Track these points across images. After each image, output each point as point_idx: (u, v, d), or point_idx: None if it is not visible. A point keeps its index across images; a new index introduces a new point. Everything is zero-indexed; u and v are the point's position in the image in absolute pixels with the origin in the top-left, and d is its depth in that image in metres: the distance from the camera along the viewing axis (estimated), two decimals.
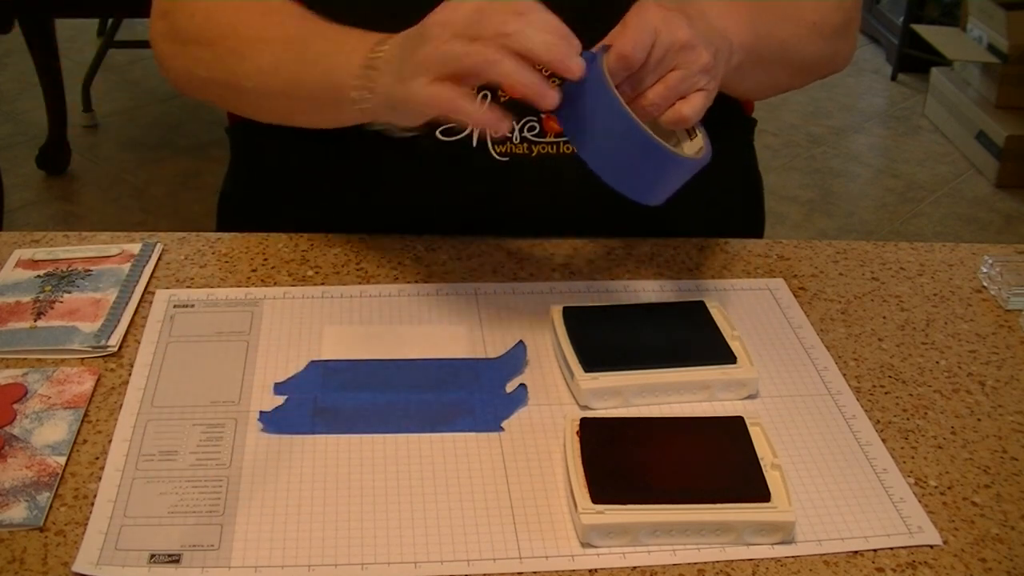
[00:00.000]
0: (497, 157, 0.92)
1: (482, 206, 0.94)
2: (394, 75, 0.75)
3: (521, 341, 0.81)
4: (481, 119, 0.73)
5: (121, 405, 0.75)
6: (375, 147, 0.92)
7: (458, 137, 0.90)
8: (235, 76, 0.86)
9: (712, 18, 0.80)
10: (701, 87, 0.76)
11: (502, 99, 0.89)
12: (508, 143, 0.91)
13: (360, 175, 0.95)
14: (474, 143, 0.91)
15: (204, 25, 0.88)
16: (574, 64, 0.71)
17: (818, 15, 0.91)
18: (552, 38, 0.72)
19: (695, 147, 0.79)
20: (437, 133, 0.90)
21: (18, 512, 0.65)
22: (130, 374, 0.78)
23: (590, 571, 0.63)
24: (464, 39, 0.71)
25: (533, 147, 0.92)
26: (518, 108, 0.90)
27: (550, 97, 0.72)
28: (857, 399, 0.78)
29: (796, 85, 0.97)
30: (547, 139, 0.91)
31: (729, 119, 1.02)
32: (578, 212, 0.95)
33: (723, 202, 1.04)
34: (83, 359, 0.79)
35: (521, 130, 0.91)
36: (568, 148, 0.92)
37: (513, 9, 0.71)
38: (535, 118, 0.91)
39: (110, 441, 0.72)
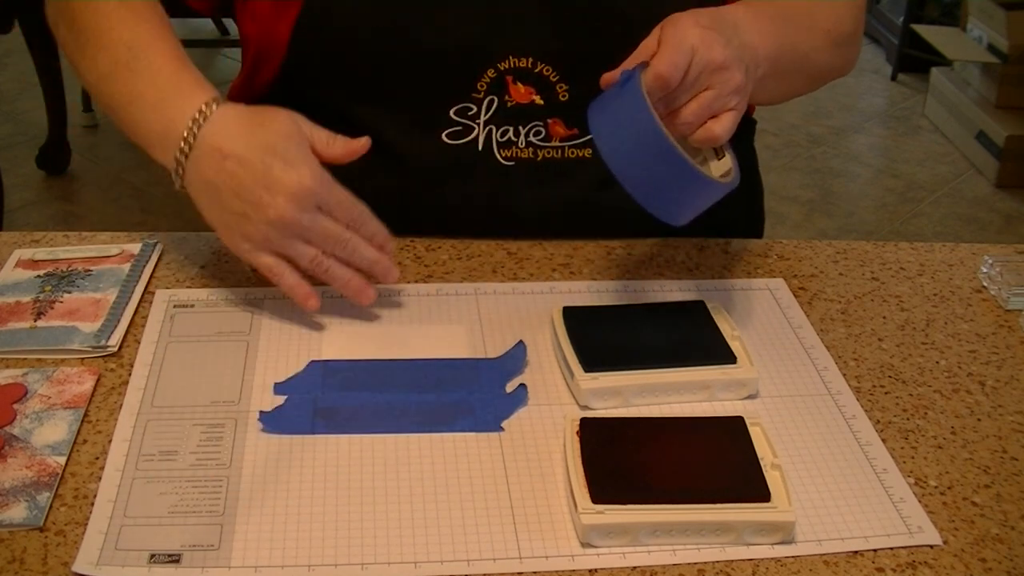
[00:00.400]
0: (502, 161, 0.92)
1: (487, 209, 0.94)
2: (206, 201, 0.80)
3: (521, 341, 0.81)
4: (294, 293, 0.81)
5: (121, 405, 0.75)
6: (380, 150, 0.92)
7: (463, 141, 0.91)
8: (78, 67, 0.88)
9: (743, 31, 0.80)
10: (732, 107, 0.76)
11: (508, 104, 0.89)
12: (514, 147, 0.91)
13: (364, 176, 0.95)
14: (479, 147, 0.91)
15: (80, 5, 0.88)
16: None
17: (832, 23, 0.91)
18: (374, 255, 0.82)
19: (722, 168, 0.80)
20: (443, 136, 0.90)
21: (18, 512, 0.65)
22: (130, 374, 0.78)
23: (590, 571, 0.63)
24: (295, 238, 0.79)
25: (538, 151, 0.92)
26: (524, 113, 0.90)
27: (366, 296, 0.82)
28: (857, 399, 0.78)
29: (807, 91, 0.97)
30: (552, 143, 0.91)
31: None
32: (582, 215, 0.95)
33: (723, 202, 1.04)
34: (83, 359, 0.79)
35: (527, 135, 0.91)
36: (572, 153, 0.92)
37: (346, 217, 0.81)
38: (541, 123, 0.91)
39: (110, 441, 0.72)
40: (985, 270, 0.93)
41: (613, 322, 0.82)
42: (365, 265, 0.82)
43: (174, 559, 0.63)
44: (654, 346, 0.79)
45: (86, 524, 0.65)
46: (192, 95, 0.80)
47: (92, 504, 0.66)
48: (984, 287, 0.92)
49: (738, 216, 1.07)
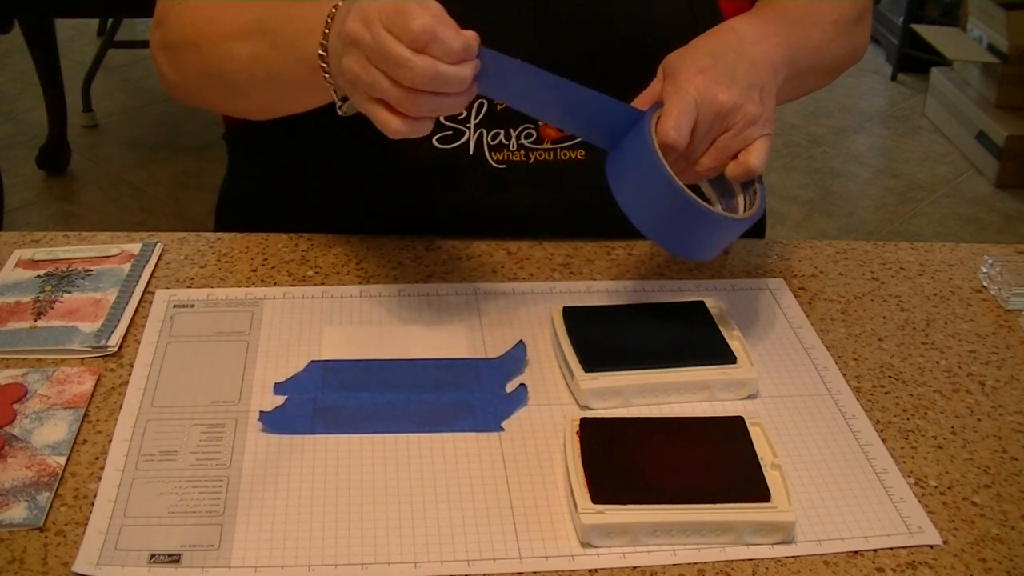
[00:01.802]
0: (494, 164, 0.92)
1: (479, 212, 0.94)
2: (335, 54, 0.74)
3: (521, 341, 0.81)
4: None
5: (121, 405, 0.75)
6: (372, 156, 0.92)
7: (455, 145, 0.90)
8: (222, 73, 0.86)
9: (749, 44, 0.80)
10: (759, 135, 0.77)
11: (497, 107, 0.89)
12: (505, 150, 0.91)
13: (356, 181, 0.95)
14: (471, 151, 0.91)
15: (189, 26, 0.88)
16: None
17: (837, 12, 0.91)
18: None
19: (753, 198, 0.79)
20: (434, 140, 0.90)
21: (18, 512, 0.65)
22: (130, 374, 0.78)
23: (590, 571, 0.63)
24: (365, 62, 0.70)
25: (530, 154, 0.92)
26: (514, 116, 0.90)
27: (392, 124, 0.71)
28: (857, 399, 0.78)
29: (824, 85, 0.97)
30: (544, 146, 0.91)
31: None
32: (576, 217, 0.95)
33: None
34: (83, 359, 0.79)
35: (518, 137, 0.91)
36: (565, 155, 0.92)
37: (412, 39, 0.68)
38: (532, 126, 0.90)
39: (110, 441, 0.72)
40: (985, 270, 0.93)
41: (613, 322, 0.82)
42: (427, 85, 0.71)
43: (174, 559, 0.63)
44: (654, 346, 0.79)
45: (86, 524, 0.65)
46: (320, 5, 0.76)
47: (92, 504, 0.66)
48: (984, 287, 0.92)
49: None
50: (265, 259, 0.92)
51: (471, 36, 0.69)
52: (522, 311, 0.86)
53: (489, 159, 0.91)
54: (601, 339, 0.79)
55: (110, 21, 3.21)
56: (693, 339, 0.80)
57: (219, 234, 0.96)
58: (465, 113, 0.89)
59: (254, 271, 0.90)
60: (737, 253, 0.96)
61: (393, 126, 0.71)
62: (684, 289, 0.90)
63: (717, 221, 0.75)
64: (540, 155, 0.92)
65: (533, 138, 0.91)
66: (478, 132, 0.90)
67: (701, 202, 0.73)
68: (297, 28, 0.79)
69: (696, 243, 0.77)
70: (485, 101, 0.89)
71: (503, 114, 0.90)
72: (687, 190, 0.73)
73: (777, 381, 0.80)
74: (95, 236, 0.95)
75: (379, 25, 0.68)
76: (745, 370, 0.77)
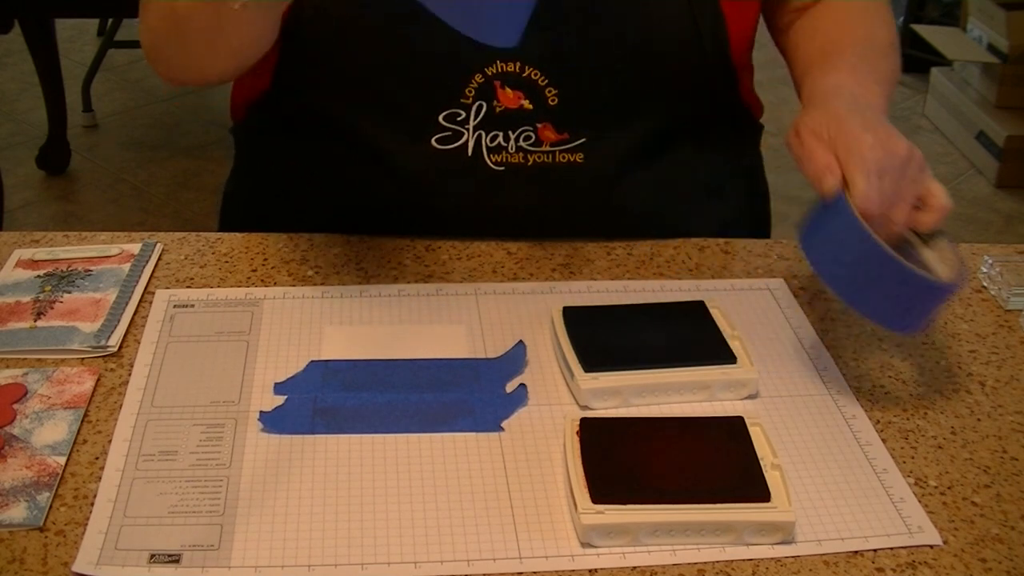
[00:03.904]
0: (492, 166, 0.91)
1: (478, 212, 0.94)
2: None
3: (521, 341, 0.81)
4: None
5: (121, 405, 0.75)
6: (371, 156, 0.92)
7: (453, 146, 0.90)
8: (181, 35, 0.82)
9: (864, 100, 0.82)
10: (929, 176, 0.78)
11: (497, 109, 0.89)
12: (504, 152, 0.91)
13: (356, 179, 0.95)
14: (469, 152, 0.91)
15: (157, 11, 0.84)
16: None
17: (885, 30, 0.95)
18: None
19: (939, 252, 0.78)
20: (432, 141, 0.90)
21: (18, 512, 0.65)
22: (130, 374, 0.78)
23: (590, 571, 0.63)
24: None
25: (529, 156, 0.91)
26: (513, 118, 0.90)
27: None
28: (857, 399, 0.78)
29: None
30: (543, 148, 0.91)
31: (739, 125, 1.02)
32: (574, 219, 0.95)
33: (730, 206, 1.04)
34: (83, 359, 0.79)
35: (517, 140, 0.91)
36: (564, 157, 0.92)
37: None
38: (530, 128, 0.90)
39: (110, 441, 0.72)
40: (985, 270, 0.93)
41: (613, 322, 0.82)
42: None
43: (174, 559, 0.63)
44: (654, 346, 0.79)
45: (86, 524, 0.65)
46: None
47: (92, 504, 0.66)
48: (984, 287, 0.92)
49: (744, 221, 1.07)
50: (265, 259, 0.92)
51: None
52: (522, 311, 0.86)
53: (488, 161, 0.91)
54: (601, 339, 0.79)
55: (110, 21, 3.21)
56: (693, 339, 0.80)
57: (219, 234, 0.96)
58: (464, 115, 0.89)
59: (254, 271, 0.90)
60: (737, 253, 0.96)
61: None
62: (684, 289, 0.90)
63: (944, 289, 0.73)
64: (539, 157, 0.92)
65: (532, 140, 0.91)
66: (477, 134, 0.90)
67: (925, 273, 0.72)
68: None
69: (918, 315, 0.74)
70: (484, 103, 0.89)
71: (502, 116, 0.90)
72: (906, 262, 0.71)
73: (777, 381, 0.80)
74: (95, 236, 0.95)
75: None
76: (745, 370, 0.77)
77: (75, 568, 0.62)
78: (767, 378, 0.79)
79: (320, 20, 0.87)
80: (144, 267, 0.90)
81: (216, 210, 1.09)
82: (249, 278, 0.89)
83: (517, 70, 0.88)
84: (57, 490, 0.67)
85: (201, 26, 0.80)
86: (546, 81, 0.89)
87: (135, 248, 0.92)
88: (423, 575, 0.63)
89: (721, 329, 0.81)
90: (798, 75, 0.93)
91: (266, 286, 0.88)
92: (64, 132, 2.78)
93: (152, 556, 0.63)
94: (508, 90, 0.89)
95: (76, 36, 3.51)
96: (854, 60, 0.88)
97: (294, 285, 0.88)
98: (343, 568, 0.63)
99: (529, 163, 0.92)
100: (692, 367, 0.77)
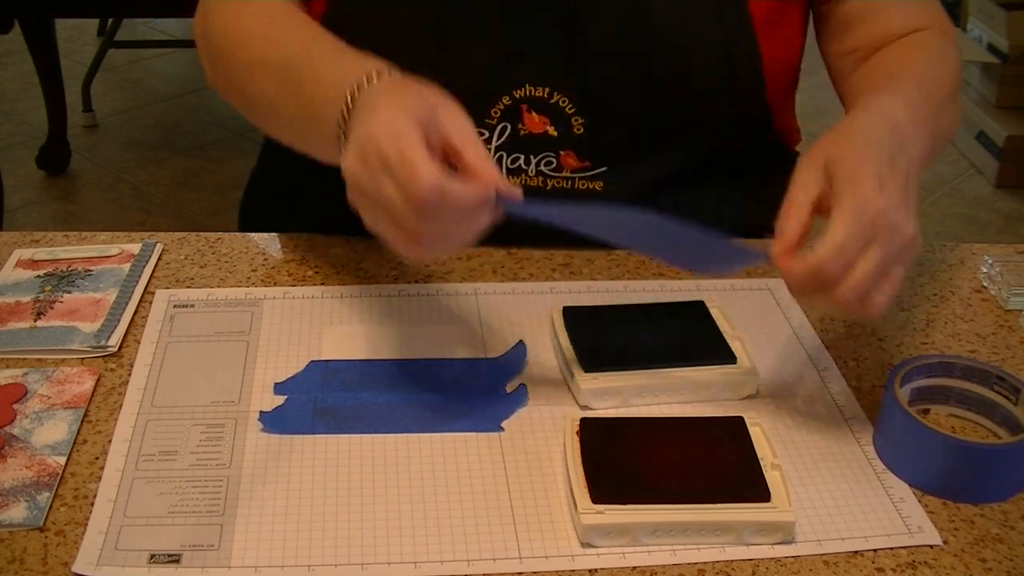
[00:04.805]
0: None
1: (494, 233, 0.93)
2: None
3: (521, 341, 0.81)
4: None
5: (121, 405, 0.75)
6: None
7: None
8: (247, 97, 0.84)
9: (909, 142, 0.71)
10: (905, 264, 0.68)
11: (521, 132, 0.88)
12: (523, 175, 0.90)
13: None
14: None
15: (223, 35, 0.86)
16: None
17: (953, 84, 0.86)
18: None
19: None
20: None
21: (18, 512, 0.65)
22: (130, 374, 0.78)
23: (590, 571, 0.63)
24: (388, 218, 0.65)
25: (548, 180, 0.90)
26: (537, 143, 0.89)
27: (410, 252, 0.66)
28: (857, 399, 0.78)
29: None
30: (563, 174, 0.90)
31: (771, 162, 1.01)
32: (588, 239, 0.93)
33: (757, 209, 1.02)
34: (83, 359, 0.79)
35: (538, 164, 0.90)
36: (583, 184, 0.90)
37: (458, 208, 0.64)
38: (553, 154, 0.89)
39: (110, 441, 0.72)
40: (985, 270, 0.93)
41: (613, 322, 0.82)
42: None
43: (174, 559, 0.63)
44: (654, 346, 0.79)
45: (86, 524, 0.65)
46: (352, 69, 0.72)
47: (92, 504, 0.66)
48: (984, 287, 0.92)
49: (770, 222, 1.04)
50: (265, 259, 0.92)
51: (487, 185, 0.64)
52: (522, 311, 0.86)
53: None
54: (601, 339, 0.79)
55: (110, 21, 3.21)
56: (693, 339, 0.80)
57: (219, 234, 0.96)
58: (488, 135, 0.88)
59: (254, 271, 0.90)
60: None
61: (400, 245, 0.66)
62: (684, 289, 0.90)
63: (979, 450, 0.71)
64: (558, 182, 0.90)
65: (553, 166, 0.90)
66: (498, 155, 0.89)
67: (963, 438, 0.71)
68: (324, 96, 0.73)
69: (976, 484, 0.71)
70: (508, 125, 0.88)
71: (525, 140, 0.89)
72: (944, 432, 0.70)
73: (777, 381, 0.80)
74: (95, 236, 0.95)
75: (382, 173, 0.63)
76: (745, 370, 0.77)
77: (75, 568, 0.62)
78: (767, 378, 0.79)
79: (352, 37, 0.86)
80: (144, 267, 0.90)
81: (217, 210, 1.09)
82: (249, 278, 0.89)
83: (545, 95, 0.87)
84: (57, 490, 0.67)
85: (278, 123, 0.82)
86: (573, 109, 0.88)
87: (135, 248, 0.92)
88: (423, 575, 0.63)
89: (721, 329, 0.81)
90: (852, 96, 0.86)
91: (266, 286, 0.88)
92: (64, 132, 2.78)
93: (152, 556, 0.63)
94: (534, 115, 0.88)
95: (76, 36, 3.51)
96: (913, 92, 0.78)
97: (294, 285, 0.88)
98: (343, 568, 0.63)
99: (547, 187, 0.91)
100: (692, 367, 0.77)
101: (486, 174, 0.65)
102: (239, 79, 0.85)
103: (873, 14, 0.90)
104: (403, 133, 0.63)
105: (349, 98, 0.70)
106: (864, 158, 0.67)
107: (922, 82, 0.81)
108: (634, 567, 0.64)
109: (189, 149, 2.95)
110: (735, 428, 0.72)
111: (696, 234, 0.69)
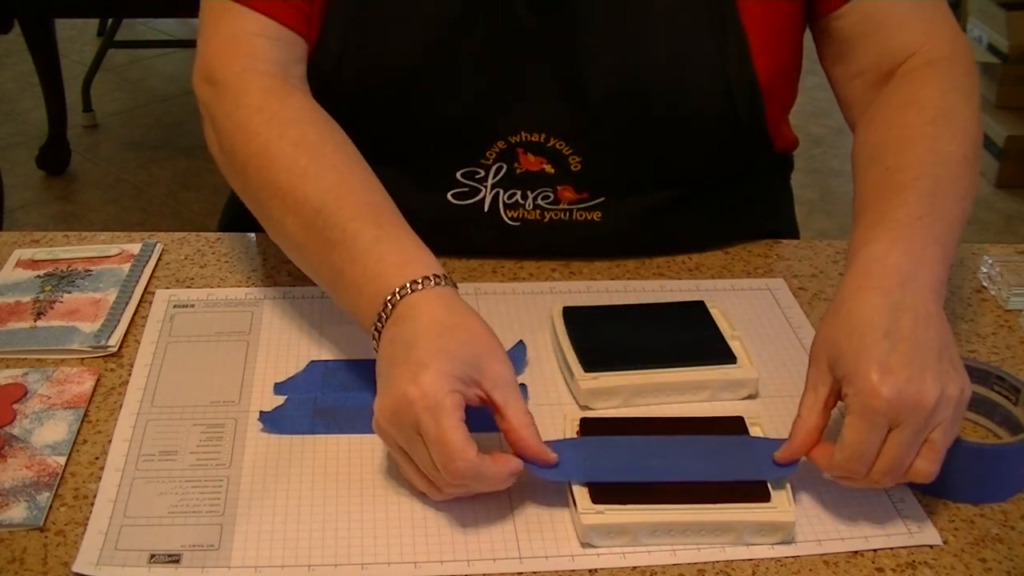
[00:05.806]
0: (508, 222, 0.90)
1: (493, 260, 0.93)
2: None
3: (521, 341, 0.81)
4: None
5: (121, 405, 0.75)
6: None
7: (469, 202, 0.89)
8: (264, 216, 0.79)
9: (913, 290, 0.69)
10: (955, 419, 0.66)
11: (517, 171, 0.88)
12: (521, 209, 0.90)
13: None
14: (486, 208, 0.89)
15: (236, 129, 0.79)
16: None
17: (963, 147, 0.77)
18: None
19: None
20: (448, 196, 0.89)
21: (18, 512, 0.65)
22: (130, 374, 0.78)
23: (590, 571, 0.63)
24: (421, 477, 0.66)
25: (545, 213, 0.90)
26: (533, 179, 0.88)
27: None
28: None
29: None
30: (560, 206, 0.90)
31: (770, 182, 1.00)
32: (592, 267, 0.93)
33: (766, 212, 1.01)
34: (83, 359, 0.79)
35: (535, 199, 0.89)
36: (581, 215, 0.90)
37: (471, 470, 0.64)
38: (550, 189, 0.89)
39: (110, 441, 0.72)
40: (985, 270, 0.93)
41: (613, 322, 0.82)
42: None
43: (174, 559, 0.63)
44: (654, 346, 0.79)
45: (86, 524, 0.65)
46: (393, 275, 0.69)
47: (92, 504, 0.66)
48: (984, 287, 0.92)
49: (780, 226, 1.04)
50: (265, 259, 0.92)
51: (518, 464, 0.65)
52: (522, 311, 0.86)
53: (504, 216, 0.90)
54: (601, 339, 0.79)
55: (110, 21, 3.21)
56: (693, 339, 0.80)
57: (219, 234, 0.96)
58: (483, 173, 0.88)
59: (254, 271, 0.90)
60: (737, 253, 0.96)
61: (421, 488, 0.67)
62: (684, 289, 0.90)
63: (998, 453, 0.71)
64: (556, 215, 0.90)
65: (551, 199, 0.89)
66: (495, 191, 0.89)
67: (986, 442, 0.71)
68: (356, 280, 0.71)
69: (989, 485, 0.71)
70: (504, 165, 0.87)
71: (522, 177, 0.88)
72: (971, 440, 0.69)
73: (777, 381, 0.80)
74: (95, 236, 0.95)
75: (416, 441, 0.64)
76: (745, 370, 0.77)
77: (75, 568, 0.62)
78: (767, 378, 0.79)
79: (351, 79, 0.84)
80: (144, 267, 0.90)
81: (216, 210, 1.09)
82: (249, 278, 0.89)
83: (541, 140, 0.86)
84: (57, 490, 0.67)
85: (299, 262, 0.79)
86: (571, 150, 0.87)
87: (135, 248, 0.92)
88: (423, 575, 0.63)
89: (721, 329, 0.81)
90: (857, 206, 0.79)
91: (266, 286, 0.88)
92: (64, 132, 2.78)
93: (152, 556, 0.63)
94: (530, 156, 0.87)
95: (76, 36, 3.51)
96: (914, 205, 0.72)
97: (294, 285, 0.88)
98: (343, 568, 0.63)
99: (545, 220, 0.90)
100: (692, 367, 0.77)
101: (524, 445, 0.66)
102: (254, 196, 0.79)
103: (874, 30, 0.86)
104: (443, 410, 0.63)
105: (389, 305, 0.68)
106: (860, 348, 0.65)
107: (925, 176, 0.75)
108: (634, 567, 0.64)
109: (189, 149, 2.95)
110: (735, 428, 0.72)
111: (733, 442, 0.70)
